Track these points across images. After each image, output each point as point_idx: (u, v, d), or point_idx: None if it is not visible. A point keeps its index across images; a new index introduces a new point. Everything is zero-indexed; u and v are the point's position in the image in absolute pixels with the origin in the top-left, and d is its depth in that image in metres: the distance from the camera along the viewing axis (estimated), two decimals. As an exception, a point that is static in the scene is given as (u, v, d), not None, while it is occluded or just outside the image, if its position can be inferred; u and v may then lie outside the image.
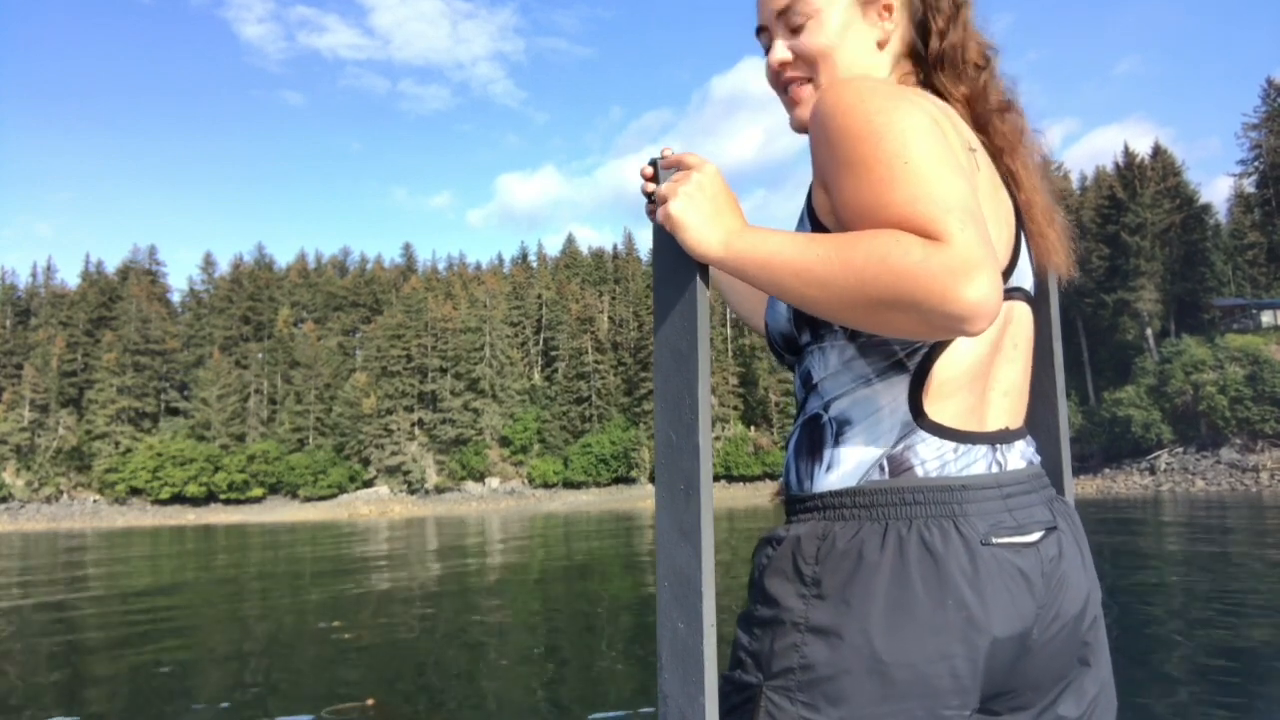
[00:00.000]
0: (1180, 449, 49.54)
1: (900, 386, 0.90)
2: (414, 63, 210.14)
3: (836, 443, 0.92)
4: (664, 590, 0.88)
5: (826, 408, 0.94)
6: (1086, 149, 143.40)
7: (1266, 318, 53.00)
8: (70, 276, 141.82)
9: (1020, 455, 0.95)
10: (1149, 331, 56.86)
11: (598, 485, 69.69)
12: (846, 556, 0.86)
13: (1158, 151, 61.05)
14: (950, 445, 0.89)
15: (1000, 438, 0.93)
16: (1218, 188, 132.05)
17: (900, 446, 0.89)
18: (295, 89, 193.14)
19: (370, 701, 5.22)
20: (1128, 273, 56.87)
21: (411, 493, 73.09)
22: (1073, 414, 53.62)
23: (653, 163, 0.96)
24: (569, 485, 70.71)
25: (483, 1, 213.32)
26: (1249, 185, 63.51)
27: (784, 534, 0.93)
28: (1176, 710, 4.57)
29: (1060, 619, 0.90)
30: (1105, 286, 58.15)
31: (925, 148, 0.80)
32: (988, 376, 0.93)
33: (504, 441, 76.45)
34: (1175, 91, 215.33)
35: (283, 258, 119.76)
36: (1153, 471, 48.55)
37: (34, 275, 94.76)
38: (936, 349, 0.90)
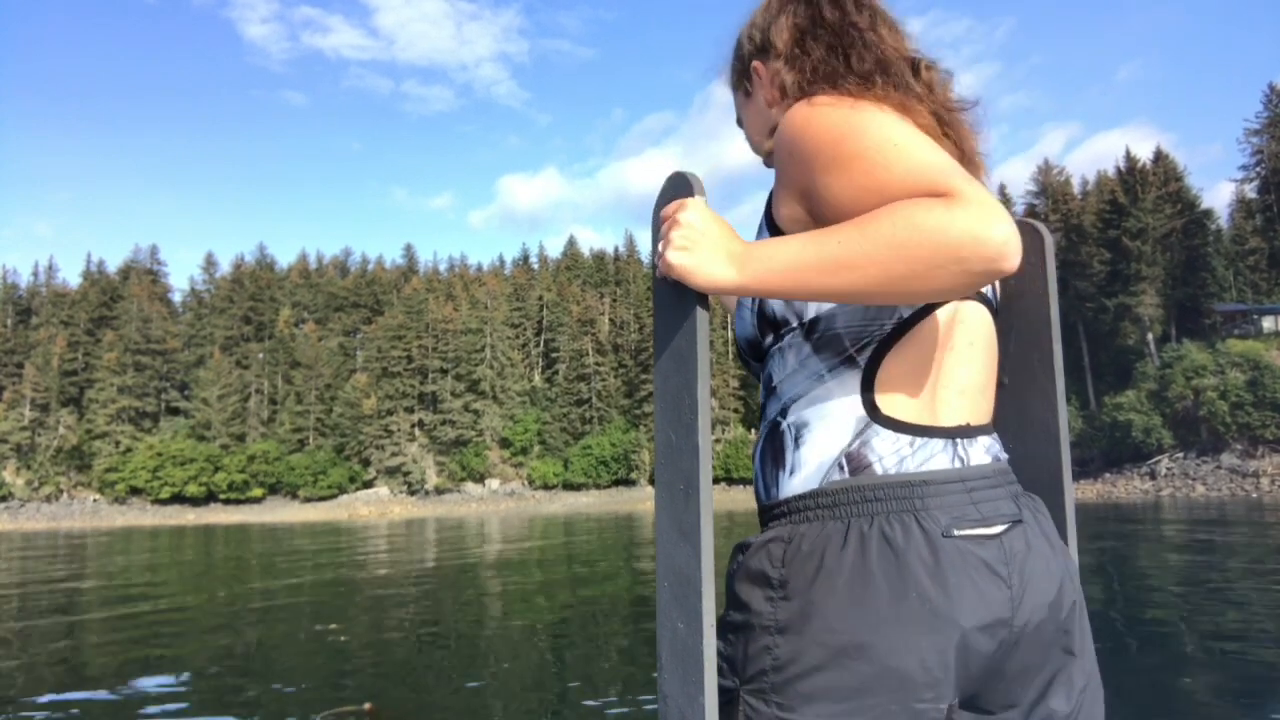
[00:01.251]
0: (1181, 454, 49.46)
1: (852, 383, 0.93)
2: (418, 64, 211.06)
3: (796, 446, 0.95)
4: (664, 590, 0.88)
5: (784, 413, 0.97)
6: (1088, 153, 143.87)
7: (1267, 323, 52.93)
8: (71, 276, 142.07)
9: (985, 450, 0.96)
10: (1150, 336, 56.81)
11: (598, 487, 69.61)
12: (810, 557, 0.88)
13: (1159, 156, 61.03)
14: (906, 439, 0.91)
15: (961, 433, 0.95)
16: (1219, 193, 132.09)
17: (857, 443, 0.91)
18: (298, 89, 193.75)
19: (368, 706, 5.20)
20: (1129, 277, 56.83)
21: (411, 494, 73.02)
22: (1073, 418, 53.57)
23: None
24: (569, 487, 70.63)
25: (487, 3, 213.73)
26: (1250, 191, 63.58)
27: (753, 541, 0.95)
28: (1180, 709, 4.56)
29: (1036, 609, 0.90)
30: (1106, 291, 58.11)
31: (905, 129, 0.86)
32: (940, 374, 0.95)
33: (504, 443, 76.38)
34: (1177, 97, 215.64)
35: (284, 258, 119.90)
36: (1153, 476, 48.46)
37: (35, 274, 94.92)
38: (885, 345, 0.93)
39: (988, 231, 0.76)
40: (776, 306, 1.00)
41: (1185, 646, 6.36)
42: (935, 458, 0.91)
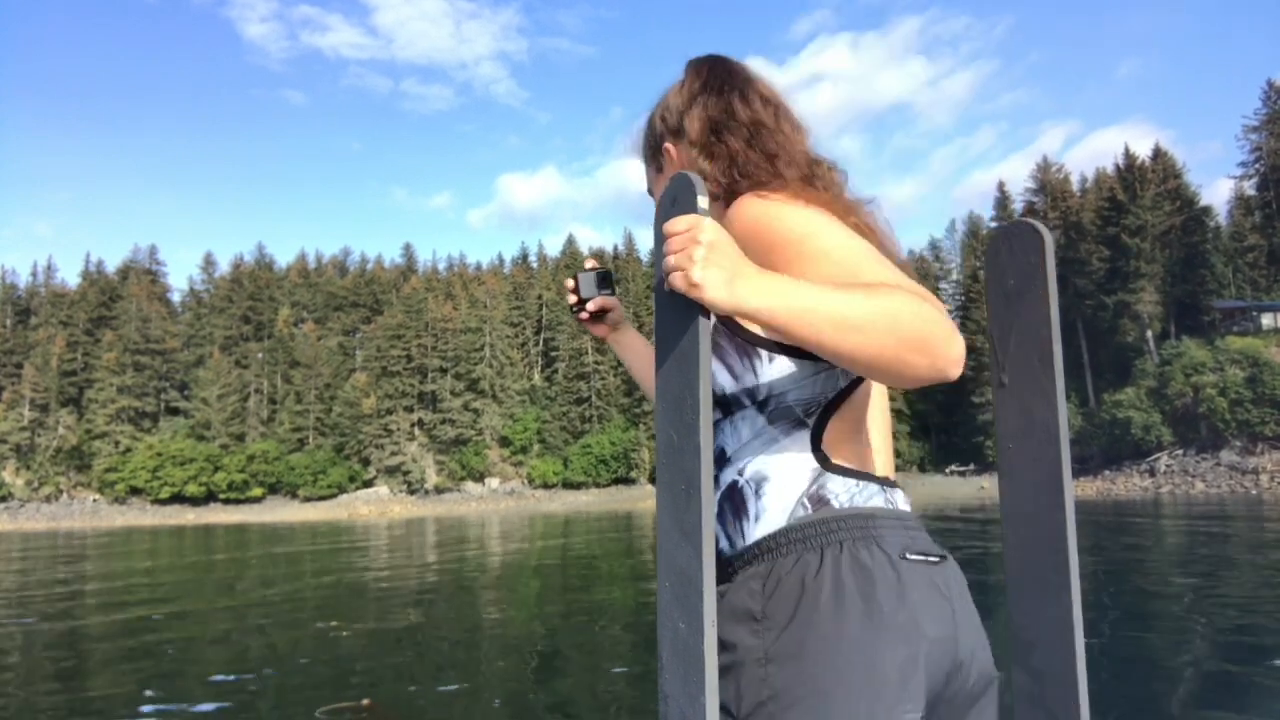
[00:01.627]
0: (1180, 451, 49.49)
1: (804, 441, 1.02)
2: (417, 62, 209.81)
3: (758, 496, 1.02)
4: (665, 590, 0.89)
5: (740, 472, 1.04)
6: (1087, 150, 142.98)
7: (1266, 320, 52.95)
8: (70, 276, 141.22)
9: (903, 500, 1.07)
10: (1149, 333, 56.83)
11: (597, 486, 69.62)
12: (791, 586, 0.94)
13: (1158, 154, 61.04)
14: (853, 482, 1.02)
15: (885, 482, 1.06)
16: (1218, 190, 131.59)
17: (815, 486, 1.00)
18: (297, 88, 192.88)
19: (366, 702, 5.21)
20: (1128, 275, 56.85)
21: (411, 493, 73.03)
22: (1072, 415, 53.58)
23: (575, 276, 1.06)
24: (569, 486, 70.65)
25: (486, 1, 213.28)
26: (1249, 188, 63.57)
27: (724, 589, 1.00)
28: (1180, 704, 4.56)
29: (971, 632, 1.00)
30: (1105, 288, 58.13)
31: (858, 240, 0.97)
32: (866, 434, 1.08)
33: (504, 442, 76.40)
34: (1176, 94, 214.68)
35: (283, 257, 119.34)
36: (1153, 473, 48.49)
37: (34, 274, 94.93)
38: (830, 409, 1.03)
39: (952, 340, 0.85)
40: (727, 385, 1.04)
41: (1186, 642, 6.37)
42: (874, 498, 1.02)
